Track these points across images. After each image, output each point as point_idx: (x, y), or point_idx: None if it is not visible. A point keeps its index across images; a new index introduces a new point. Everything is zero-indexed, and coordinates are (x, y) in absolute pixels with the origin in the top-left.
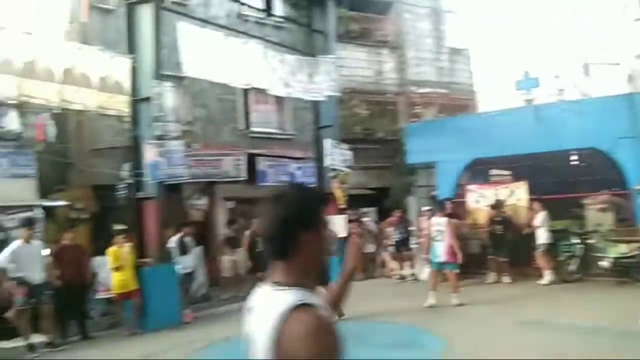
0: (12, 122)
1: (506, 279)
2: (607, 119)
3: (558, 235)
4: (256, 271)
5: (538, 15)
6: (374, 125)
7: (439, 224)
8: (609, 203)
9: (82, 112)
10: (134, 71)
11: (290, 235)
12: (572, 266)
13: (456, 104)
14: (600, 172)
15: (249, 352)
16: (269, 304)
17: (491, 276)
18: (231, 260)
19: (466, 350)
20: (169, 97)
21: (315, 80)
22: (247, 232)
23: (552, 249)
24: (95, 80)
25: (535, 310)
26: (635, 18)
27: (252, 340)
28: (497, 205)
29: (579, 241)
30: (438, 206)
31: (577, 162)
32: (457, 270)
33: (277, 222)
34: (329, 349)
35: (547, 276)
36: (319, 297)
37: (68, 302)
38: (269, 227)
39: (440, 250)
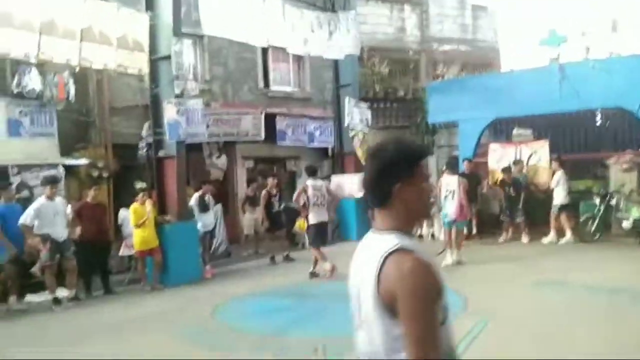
0: (33, 81)
1: (525, 238)
2: (634, 78)
3: (580, 196)
4: (273, 230)
5: None
6: (394, 84)
7: (451, 183)
8: (632, 163)
9: (102, 71)
10: (153, 29)
11: (384, 186)
12: (593, 227)
13: (479, 62)
14: (626, 132)
15: (353, 297)
16: (371, 249)
17: (503, 236)
18: (251, 219)
19: (484, 308)
20: (188, 55)
21: (335, 38)
22: (264, 192)
23: (572, 209)
24: (114, 38)
25: (553, 270)
26: None
27: (358, 285)
28: (508, 169)
29: (601, 201)
30: (450, 165)
31: (602, 122)
32: (465, 229)
33: (373, 174)
34: (427, 289)
35: (550, 237)
36: (417, 243)
37: (91, 258)
38: (367, 178)
39: (451, 209)
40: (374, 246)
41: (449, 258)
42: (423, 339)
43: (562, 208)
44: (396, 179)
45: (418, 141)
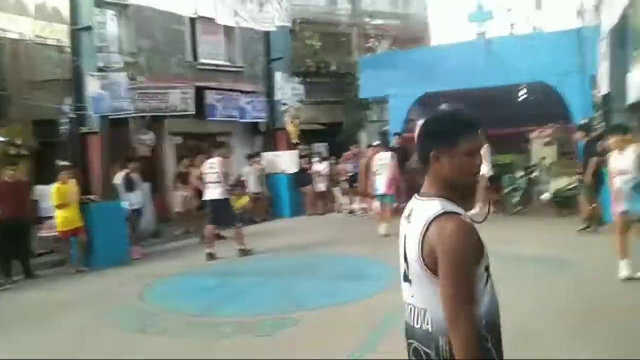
0: None
1: None
2: (556, 54)
3: (504, 169)
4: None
5: None
6: (327, 58)
7: (383, 158)
8: (553, 137)
9: (19, 42)
10: None
11: (422, 150)
12: (516, 199)
13: (410, 37)
14: (548, 106)
15: (400, 253)
16: (415, 213)
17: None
18: (182, 196)
19: None
20: (112, 26)
21: (266, 10)
22: (195, 170)
23: (496, 182)
24: (31, 8)
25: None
26: None
27: (403, 244)
28: None
29: (523, 175)
30: (382, 141)
31: (525, 97)
32: (394, 202)
33: (417, 137)
34: (467, 248)
35: (477, 208)
36: (460, 208)
37: (10, 240)
38: (416, 143)
39: (381, 183)
40: (418, 210)
41: (382, 230)
42: (457, 296)
43: (486, 180)
44: (432, 146)
45: (351, 116)
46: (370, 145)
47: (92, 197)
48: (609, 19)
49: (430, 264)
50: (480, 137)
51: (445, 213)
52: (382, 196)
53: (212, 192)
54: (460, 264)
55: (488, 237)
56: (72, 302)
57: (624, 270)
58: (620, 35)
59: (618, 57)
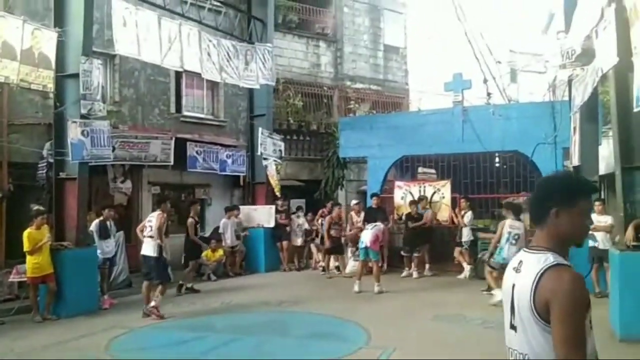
0: None
1: (427, 272)
2: (529, 124)
3: (477, 234)
4: (189, 259)
5: (474, 19)
6: (308, 117)
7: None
8: (525, 204)
9: (2, 84)
10: (62, 45)
11: (542, 207)
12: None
13: (389, 101)
14: (522, 174)
15: (506, 311)
16: (527, 264)
17: (405, 271)
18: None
19: (386, 341)
20: (97, 74)
21: (251, 68)
22: (190, 220)
23: (472, 246)
24: (18, 52)
25: (453, 303)
26: (558, 31)
27: (514, 298)
28: (415, 202)
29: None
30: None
31: (500, 164)
32: (379, 259)
33: (537, 194)
34: (581, 297)
35: (467, 271)
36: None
37: None
38: (531, 197)
39: (366, 237)
40: (530, 262)
41: (356, 287)
42: (571, 339)
43: (468, 245)
44: (553, 205)
45: (329, 174)
46: (355, 204)
47: (65, 243)
48: (580, 95)
49: (542, 312)
50: (592, 200)
51: (559, 264)
52: (365, 249)
53: (145, 247)
54: (576, 311)
55: (462, 300)
56: (35, 351)
57: None
58: (591, 110)
59: (589, 131)
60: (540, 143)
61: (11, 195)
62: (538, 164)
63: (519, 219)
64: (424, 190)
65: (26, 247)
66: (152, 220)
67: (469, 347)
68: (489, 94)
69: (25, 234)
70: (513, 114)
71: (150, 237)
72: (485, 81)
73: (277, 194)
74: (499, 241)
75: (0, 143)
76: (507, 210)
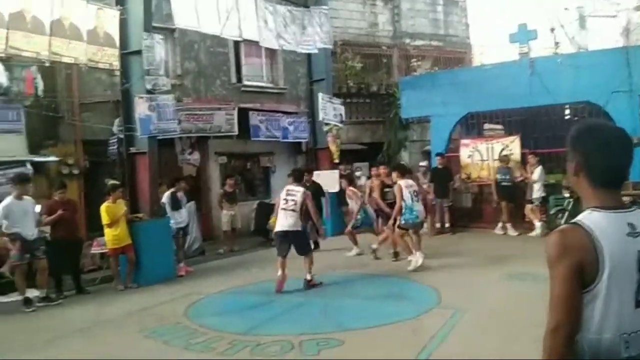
0: (0, 76)
1: (511, 231)
2: (601, 73)
3: (549, 189)
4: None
5: None
6: (367, 79)
7: (412, 185)
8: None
9: (71, 65)
10: (124, 23)
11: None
12: (562, 219)
13: (451, 57)
14: None
15: (625, 286)
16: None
17: (499, 226)
18: (228, 215)
19: (455, 301)
20: (159, 50)
21: (308, 32)
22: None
23: (543, 202)
24: (84, 33)
25: (524, 262)
26: None
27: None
28: (506, 158)
29: (569, 195)
30: (402, 168)
31: (571, 116)
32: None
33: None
34: (549, 253)
35: (538, 229)
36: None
37: (62, 257)
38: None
39: (419, 209)
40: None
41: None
42: (550, 304)
43: (539, 201)
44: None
45: (392, 136)
46: (422, 166)
47: (140, 215)
48: None
49: None
50: None
51: None
52: (421, 223)
53: (290, 222)
54: (550, 271)
55: (534, 259)
56: (119, 317)
57: None
58: None
59: None
60: (614, 92)
61: (87, 171)
62: (612, 114)
63: None
64: (492, 148)
65: (105, 220)
66: (296, 195)
67: (540, 306)
68: (556, 44)
69: (103, 207)
70: (583, 63)
71: (293, 210)
72: (552, 30)
73: (335, 160)
74: None
75: (73, 122)
76: None
